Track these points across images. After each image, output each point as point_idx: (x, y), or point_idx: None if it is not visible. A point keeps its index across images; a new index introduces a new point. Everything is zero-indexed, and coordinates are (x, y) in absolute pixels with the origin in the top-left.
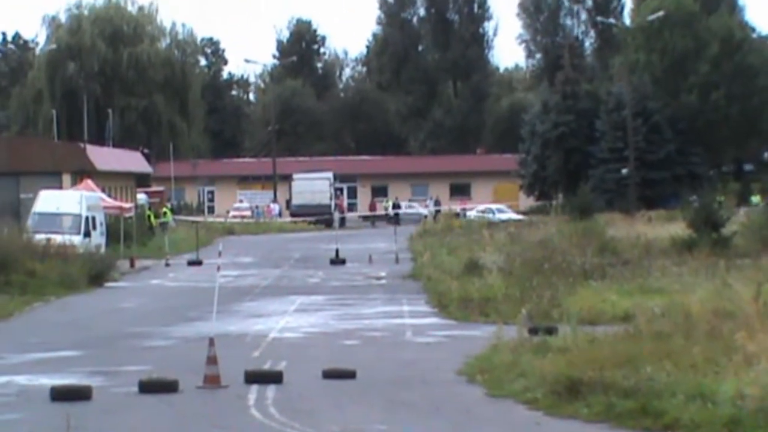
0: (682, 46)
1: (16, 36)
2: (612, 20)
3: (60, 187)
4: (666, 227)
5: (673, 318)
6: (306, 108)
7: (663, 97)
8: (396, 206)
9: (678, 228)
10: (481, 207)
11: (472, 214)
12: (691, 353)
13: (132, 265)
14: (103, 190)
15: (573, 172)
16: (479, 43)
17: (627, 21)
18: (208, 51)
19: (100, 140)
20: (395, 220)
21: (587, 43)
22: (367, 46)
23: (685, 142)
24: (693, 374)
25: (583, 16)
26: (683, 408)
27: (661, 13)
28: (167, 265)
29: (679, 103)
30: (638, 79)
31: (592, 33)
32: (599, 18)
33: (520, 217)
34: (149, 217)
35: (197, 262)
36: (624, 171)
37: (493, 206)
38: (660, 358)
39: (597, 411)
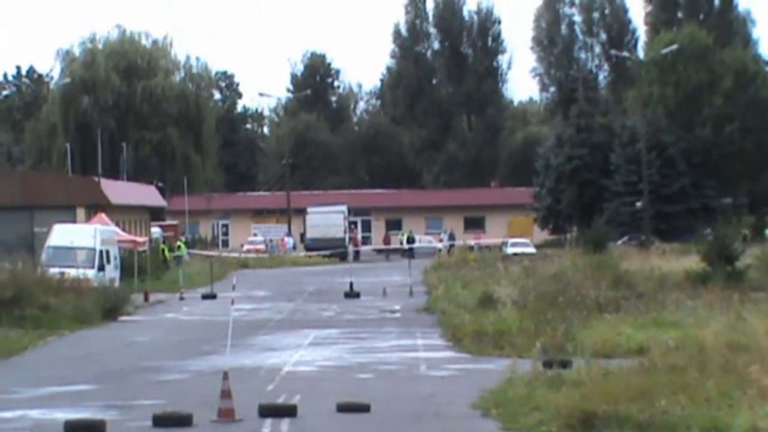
0: (696, 80)
1: (31, 70)
2: (626, 53)
3: (74, 221)
4: (680, 260)
5: (688, 351)
6: (320, 141)
7: (677, 130)
8: (410, 239)
9: (692, 261)
10: (518, 240)
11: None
12: (706, 387)
13: (146, 298)
14: (117, 224)
15: (587, 205)
16: (493, 76)
17: (641, 54)
18: (223, 84)
19: (114, 174)
20: (410, 253)
21: (601, 77)
22: (381, 80)
23: (699, 175)
24: (707, 408)
25: (597, 49)
26: None
27: (674, 47)
28: (181, 298)
29: (693, 136)
30: (652, 113)
31: (606, 66)
32: (613, 51)
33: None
34: (163, 250)
35: (211, 296)
36: (638, 204)
37: (520, 240)
38: (674, 391)
39: None
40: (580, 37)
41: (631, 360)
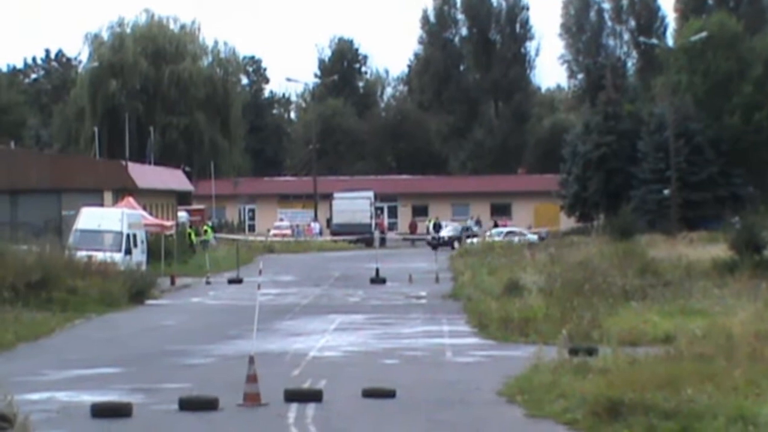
0: (725, 67)
1: (59, 54)
2: (654, 41)
3: (101, 205)
4: (707, 249)
5: (715, 340)
6: (347, 127)
7: (705, 118)
8: (437, 226)
9: (719, 250)
10: (504, 229)
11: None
12: (733, 375)
13: (172, 282)
14: (144, 208)
15: (614, 193)
16: (521, 63)
17: (670, 42)
18: (250, 69)
19: (141, 158)
20: (436, 241)
21: (629, 64)
22: (409, 66)
23: (727, 163)
24: (734, 396)
25: (626, 36)
26: (724, 430)
27: (704, 34)
28: (208, 283)
29: (722, 124)
30: (680, 100)
31: (634, 53)
32: (642, 38)
33: (535, 238)
34: (190, 235)
35: (238, 281)
36: (666, 192)
37: (516, 228)
38: (701, 380)
39: None
40: (609, 23)
41: (658, 348)
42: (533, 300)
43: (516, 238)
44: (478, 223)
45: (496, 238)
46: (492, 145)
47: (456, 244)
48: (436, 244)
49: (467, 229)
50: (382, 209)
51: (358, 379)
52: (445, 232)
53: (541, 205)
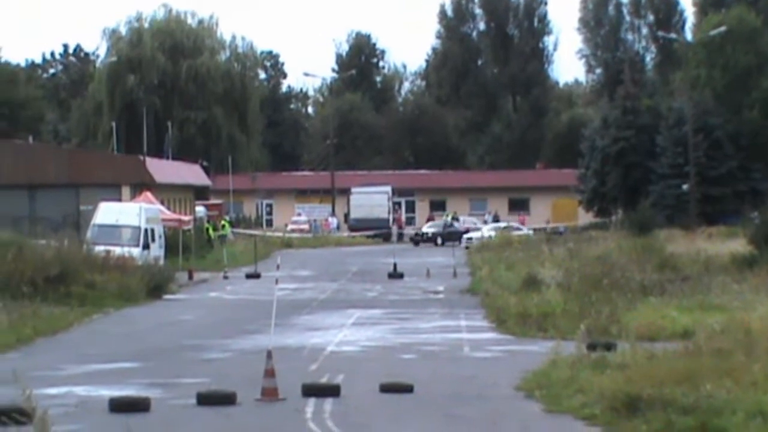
0: (744, 62)
1: (77, 48)
2: (673, 35)
3: (119, 200)
4: (726, 244)
5: (734, 335)
6: (364, 122)
7: (724, 112)
8: (455, 220)
9: (738, 245)
10: (501, 225)
11: (484, 230)
12: (752, 370)
13: (190, 277)
14: (162, 203)
15: (633, 187)
16: (539, 57)
17: (688, 36)
18: (268, 64)
19: (158, 153)
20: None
21: (648, 58)
22: (427, 60)
23: (746, 158)
24: (753, 392)
25: (644, 30)
26: (743, 426)
27: (723, 29)
28: (225, 277)
29: (741, 118)
30: (699, 95)
31: (653, 48)
32: (660, 33)
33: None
34: (208, 229)
35: (255, 275)
36: (684, 187)
37: (513, 223)
38: (720, 375)
39: (656, 428)
40: (628, 18)
41: (676, 343)
42: (551, 295)
43: (514, 233)
44: (496, 218)
45: (492, 233)
46: (510, 140)
47: (439, 240)
48: (419, 240)
49: (449, 225)
50: (399, 204)
51: (375, 373)
52: (427, 228)
53: (559, 200)
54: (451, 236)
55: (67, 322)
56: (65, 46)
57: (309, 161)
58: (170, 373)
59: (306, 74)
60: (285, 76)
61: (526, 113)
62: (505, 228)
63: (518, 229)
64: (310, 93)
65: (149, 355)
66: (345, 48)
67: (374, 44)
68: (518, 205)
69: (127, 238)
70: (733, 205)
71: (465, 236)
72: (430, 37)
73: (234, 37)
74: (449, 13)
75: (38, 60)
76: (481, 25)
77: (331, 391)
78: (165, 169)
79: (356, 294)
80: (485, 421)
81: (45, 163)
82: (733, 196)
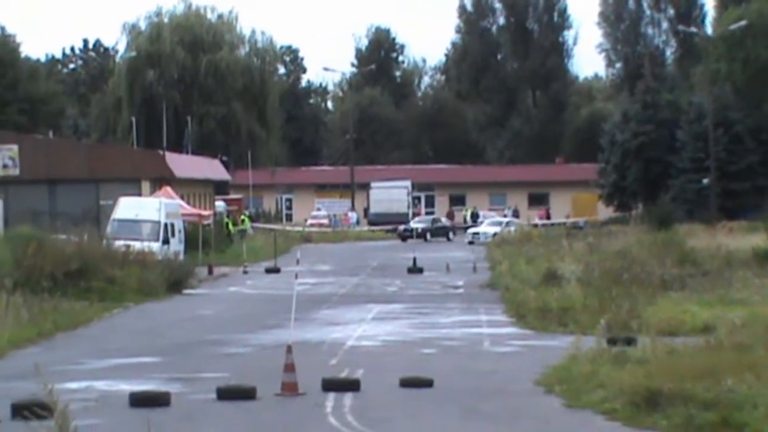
0: (765, 56)
1: (97, 43)
2: (694, 29)
3: (139, 194)
4: (747, 238)
5: (755, 329)
6: (384, 116)
7: (745, 107)
8: (474, 216)
9: (759, 239)
10: (498, 219)
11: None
12: None
13: (210, 272)
14: (182, 198)
15: (653, 182)
16: (559, 52)
17: (709, 30)
18: (287, 59)
19: (178, 147)
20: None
21: (668, 53)
22: (446, 55)
23: (767, 152)
24: None
25: (665, 25)
26: (764, 420)
27: (743, 23)
28: (245, 272)
29: (762, 113)
30: (720, 89)
31: (673, 42)
32: (681, 27)
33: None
34: (227, 224)
35: (275, 270)
36: (705, 181)
37: (505, 219)
38: (741, 369)
39: (676, 423)
40: (648, 12)
41: (697, 338)
42: (571, 290)
43: (512, 228)
44: (515, 213)
45: (488, 229)
46: (530, 135)
47: (428, 236)
48: (407, 236)
49: (437, 220)
50: (419, 199)
51: (395, 368)
52: (415, 224)
53: (579, 195)
54: (437, 232)
55: (87, 317)
56: (85, 41)
57: (328, 156)
58: (190, 367)
59: (325, 69)
60: (304, 70)
61: (545, 108)
62: (506, 224)
63: (508, 224)
64: (330, 88)
65: (169, 350)
66: (364, 43)
67: (394, 39)
68: (538, 200)
69: (147, 232)
70: (753, 200)
71: (470, 231)
72: (450, 32)
73: (253, 32)
74: (469, 7)
75: (58, 55)
76: (501, 20)
77: (351, 385)
78: (185, 164)
79: (376, 289)
80: (505, 416)
81: (65, 158)
82: (754, 190)
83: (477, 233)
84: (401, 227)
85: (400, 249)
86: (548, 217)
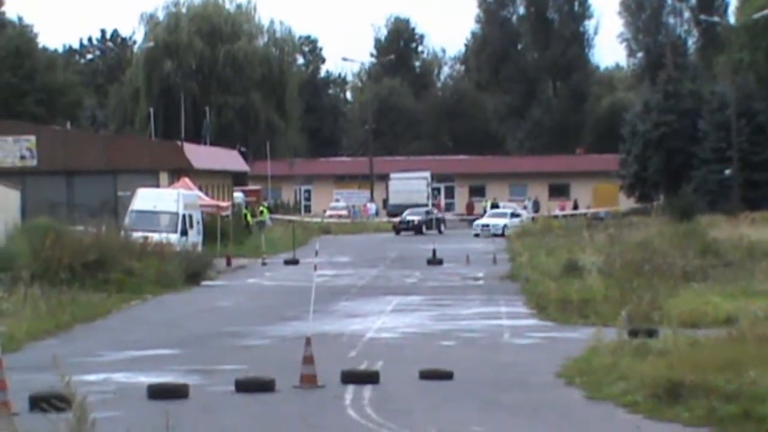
0: None
1: (115, 33)
2: (716, 19)
3: (157, 186)
4: None
5: None
6: (403, 107)
7: None
8: (495, 207)
9: None
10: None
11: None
12: None
13: (228, 263)
14: (200, 189)
15: (674, 172)
16: (579, 41)
17: (731, 19)
18: (306, 49)
19: (196, 138)
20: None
21: (690, 42)
22: (466, 45)
23: None
24: None
25: (686, 14)
26: None
27: (766, 12)
28: (264, 264)
29: None
30: (742, 79)
31: (695, 32)
32: (702, 16)
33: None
34: (246, 215)
35: (294, 262)
36: (727, 172)
37: (508, 209)
38: (763, 361)
39: (698, 415)
40: (669, 2)
41: (719, 330)
42: (592, 281)
43: (516, 220)
44: (536, 204)
45: (495, 221)
46: (550, 125)
47: (424, 229)
48: (401, 228)
49: (429, 212)
50: (438, 190)
51: (415, 360)
52: (410, 216)
53: (600, 186)
54: (430, 224)
55: (105, 309)
56: (103, 32)
57: (348, 147)
58: (209, 359)
59: (344, 59)
60: (323, 61)
61: (566, 98)
62: (513, 215)
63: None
64: (349, 78)
65: (187, 342)
66: (384, 33)
67: (413, 29)
68: (559, 191)
69: (165, 224)
70: None
71: (477, 223)
72: (470, 22)
73: (272, 22)
74: None
75: (76, 45)
76: (521, 10)
77: (370, 377)
78: (203, 155)
79: (395, 280)
80: (526, 408)
81: (83, 149)
82: None
83: (486, 225)
84: (396, 219)
85: (419, 240)
86: (575, 208)
